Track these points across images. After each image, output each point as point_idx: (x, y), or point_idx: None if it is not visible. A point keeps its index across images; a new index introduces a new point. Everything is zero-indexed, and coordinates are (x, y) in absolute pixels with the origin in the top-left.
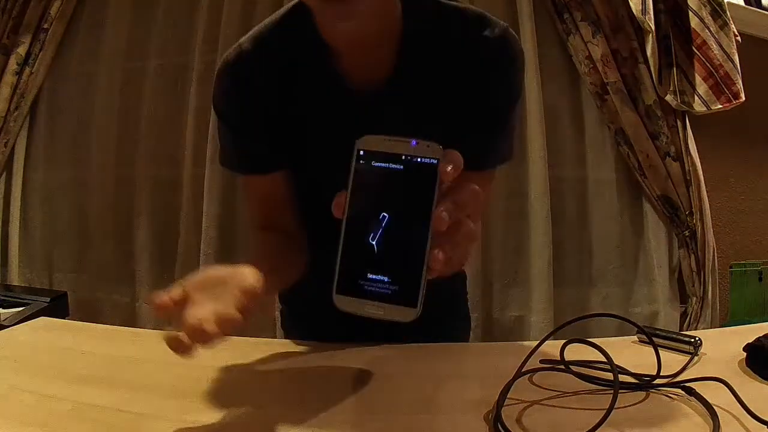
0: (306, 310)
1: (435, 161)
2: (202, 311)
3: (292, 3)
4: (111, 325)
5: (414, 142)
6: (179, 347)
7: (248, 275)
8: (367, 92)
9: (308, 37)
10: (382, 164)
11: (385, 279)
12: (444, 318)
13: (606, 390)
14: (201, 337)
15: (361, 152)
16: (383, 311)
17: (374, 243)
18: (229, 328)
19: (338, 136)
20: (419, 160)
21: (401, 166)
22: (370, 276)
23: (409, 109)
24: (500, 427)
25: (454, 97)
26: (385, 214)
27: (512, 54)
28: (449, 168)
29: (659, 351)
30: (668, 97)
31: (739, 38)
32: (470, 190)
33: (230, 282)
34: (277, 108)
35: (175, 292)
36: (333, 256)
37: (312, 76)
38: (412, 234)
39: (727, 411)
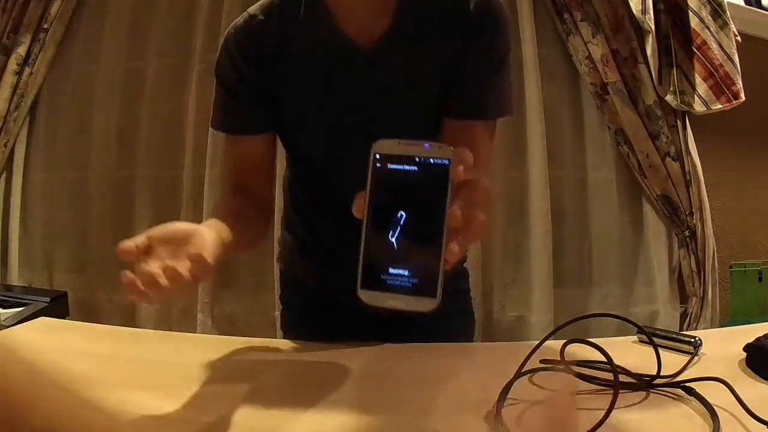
0: (306, 311)
1: (447, 161)
2: (159, 264)
3: None
4: (111, 325)
5: (426, 144)
6: (133, 290)
7: (207, 243)
8: (367, 46)
9: (310, 2)
10: (398, 166)
11: (406, 273)
12: (448, 314)
13: (606, 390)
14: (152, 286)
15: (377, 156)
16: (405, 303)
17: (394, 240)
18: (179, 286)
19: (341, 86)
20: (432, 161)
21: (415, 168)
22: (391, 271)
23: (405, 59)
24: (500, 427)
25: (445, 49)
26: (402, 212)
27: (495, 12)
28: (460, 168)
29: (659, 351)
30: (668, 97)
31: (739, 38)
32: (481, 187)
33: (191, 243)
34: (279, 69)
35: (139, 239)
36: (335, 258)
37: (314, 34)
38: (429, 230)
39: (727, 411)
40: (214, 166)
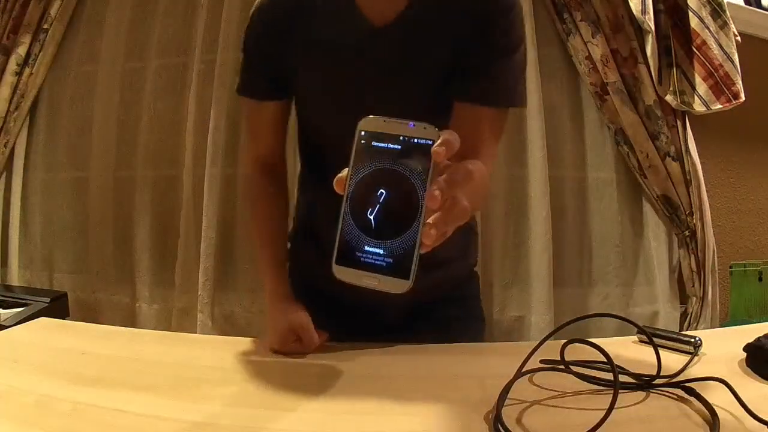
0: (313, 308)
1: (430, 142)
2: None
3: None
4: (111, 325)
5: (411, 124)
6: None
7: (316, 338)
8: (383, 24)
9: None
10: (381, 144)
11: (381, 251)
12: (456, 319)
13: (606, 390)
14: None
15: (362, 132)
16: (378, 282)
17: (372, 217)
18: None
19: (351, 62)
20: (416, 140)
21: (399, 146)
22: (367, 248)
23: (418, 39)
24: (500, 427)
25: (456, 34)
26: (382, 190)
27: (509, 1)
28: (441, 149)
29: (659, 351)
30: (668, 97)
31: (739, 38)
32: (464, 170)
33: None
34: (300, 44)
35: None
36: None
37: (334, 11)
38: (408, 210)
39: (727, 411)
40: (214, 165)
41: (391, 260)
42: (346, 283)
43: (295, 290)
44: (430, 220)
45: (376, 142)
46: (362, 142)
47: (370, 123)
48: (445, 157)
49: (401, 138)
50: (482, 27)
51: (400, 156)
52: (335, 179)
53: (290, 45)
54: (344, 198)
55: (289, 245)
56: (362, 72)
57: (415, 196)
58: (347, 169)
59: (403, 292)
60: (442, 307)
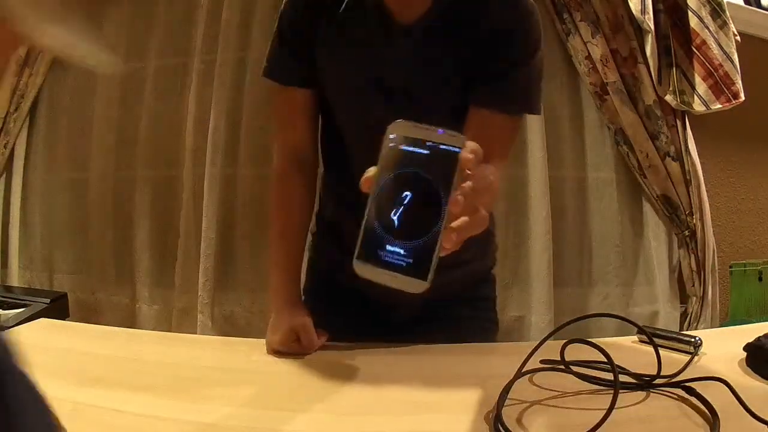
0: (326, 302)
1: (457, 149)
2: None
3: None
4: (111, 325)
5: (440, 130)
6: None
7: (315, 341)
8: (407, 24)
9: None
10: (410, 148)
11: (402, 252)
12: (470, 318)
13: (606, 390)
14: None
15: (392, 136)
16: (396, 280)
17: (395, 218)
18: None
19: (374, 58)
20: (443, 147)
21: (427, 151)
22: (388, 247)
23: (438, 42)
24: (501, 427)
25: (475, 37)
26: (407, 193)
27: (527, 8)
28: (471, 156)
29: (659, 351)
30: (668, 97)
31: (738, 38)
32: (486, 180)
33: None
34: (324, 40)
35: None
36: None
37: (364, 9)
38: (430, 213)
39: (727, 411)
40: (214, 165)
41: (411, 260)
42: (364, 279)
43: (311, 282)
44: (453, 225)
45: (404, 146)
46: (390, 145)
47: (399, 127)
48: (474, 165)
49: (429, 144)
50: (500, 32)
51: (426, 161)
52: (362, 179)
53: (316, 39)
54: (370, 197)
55: (310, 238)
56: (383, 71)
57: (438, 200)
58: (374, 168)
59: (420, 292)
60: (455, 307)
